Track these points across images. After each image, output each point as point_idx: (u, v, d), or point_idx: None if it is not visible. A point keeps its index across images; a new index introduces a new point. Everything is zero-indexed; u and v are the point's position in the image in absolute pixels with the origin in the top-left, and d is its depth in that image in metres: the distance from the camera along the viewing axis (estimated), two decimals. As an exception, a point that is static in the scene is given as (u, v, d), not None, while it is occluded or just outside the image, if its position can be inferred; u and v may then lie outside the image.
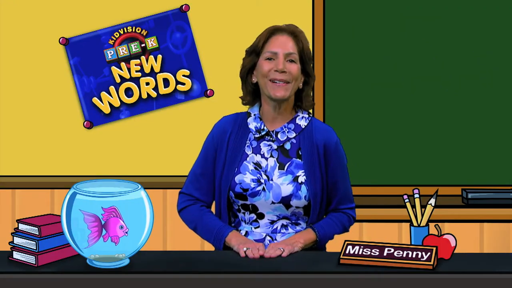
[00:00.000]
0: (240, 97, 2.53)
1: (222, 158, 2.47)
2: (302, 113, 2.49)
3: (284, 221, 2.45)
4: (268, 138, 2.47)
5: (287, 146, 2.47)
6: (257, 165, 2.44)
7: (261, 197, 2.41)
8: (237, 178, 2.43)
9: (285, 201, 2.41)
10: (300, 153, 2.46)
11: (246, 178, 2.43)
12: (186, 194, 2.54)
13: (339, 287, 2.03)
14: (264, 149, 2.46)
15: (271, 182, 2.42)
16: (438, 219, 2.64)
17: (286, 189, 2.41)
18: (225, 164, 2.47)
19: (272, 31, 2.44)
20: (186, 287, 2.03)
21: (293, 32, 2.45)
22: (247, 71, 2.48)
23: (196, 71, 3.65)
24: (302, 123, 2.48)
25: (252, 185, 2.42)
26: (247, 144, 2.47)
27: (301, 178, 2.42)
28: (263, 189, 2.42)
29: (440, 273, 2.05)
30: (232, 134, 2.48)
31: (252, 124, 2.47)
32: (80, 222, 2.02)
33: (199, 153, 2.54)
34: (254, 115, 2.49)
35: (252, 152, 2.46)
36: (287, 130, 2.46)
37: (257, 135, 2.46)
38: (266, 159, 2.45)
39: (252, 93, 2.50)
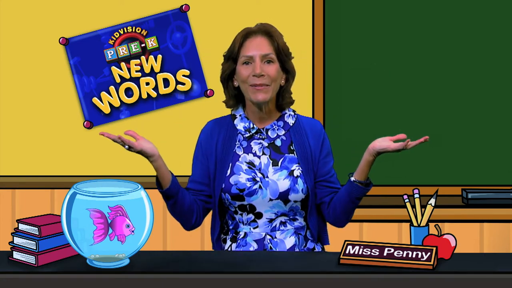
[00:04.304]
0: (223, 101, 2.53)
1: (212, 164, 2.47)
2: (289, 111, 2.51)
3: (283, 218, 2.45)
4: (258, 136, 2.47)
5: (278, 143, 2.47)
6: (251, 164, 2.44)
7: (258, 195, 2.41)
8: (232, 179, 2.43)
9: (283, 196, 2.41)
10: (292, 148, 2.46)
11: (241, 178, 2.42)
12: None
13: (339, 287, 2.03)
14: (255, 148, 2.46)
15: (266, 179, 2.42)
16: (438, 219, 2.65)
17: (283, 184, 2.41)
18: (216, 169, 2.46)
19: (246, 35, 2.44)
20: (186, 287, 2.03)
21: (266, 31, 2.44)
22: (227, 76, 2.48)
23: (196, 71, 3.65)
24: (290, 120, 2.49)
25: (248, 184, 2.41)
26: (237, 145, 2.47)
27: (297, 172, 2.43)
28: (260, 187, 2.41)
29: (440, 273, 2.05)
30: (219, 138, 2.48)
31: (240, 125, 2.47)
32: (80, 222, 2.02)
33: (192, 162, 2.52)
34: (240, 115, 2.49)
35: (244, 152, 2.46)
36: (277, 127, 2.47)
37: (247, 134, 2.46)
38: (259, 157, 2.45)
39: (235, 97, 2.50)
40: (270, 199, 2.42)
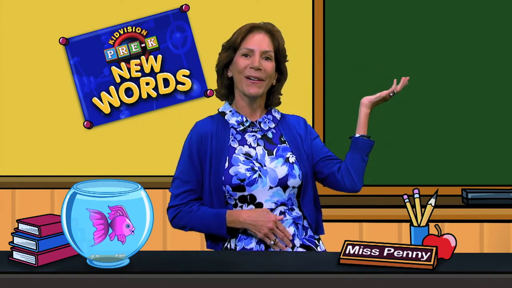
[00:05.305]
0: (214, 90, 2.61)
1: (207, 162, 2.49)
2: (273, 108, 2.62)
3: (282, 208, 2.48)
4: (251, 129, 2.54)
5: (270, 135, 2.55)
6: (247, 155, 2.49)
7: (259, 184, 2.45)
8: (232, 171, 2.46)
9: (282, 182, 2.47)
10: (283, 139, 2.55)
11: (240, 169, 2.46)
12: (175, 206, 2.54)
13: (339, 287, 2.03)
14: (250, 140, 2.52)
15: (265, 168, 2.47)
16: (438, 219, 2.65)
17: (281, 170, 2.48)
18: (211, 165, 2.48)
19: (250, 29, 2.52)
20: (186, 287, 2.03)
21: (270, 30, 2.53)
22: (224, 65, 2.55)
23: (196, 71, 3.65)
24: (277, 115, 2.59)
25: (248, 174, 2.45)
26: (231, 139, 2.52)
27: (292, 159, 2.51)
28: (259, 175, 2.46)
29: (440, 273, 2.05)
30: (212, 135, 2.52)
31: (233, 119, 2.54)
32: (80, 222, 2.02)
33: (180, 161, 2.53)
34: (230, 111, 2.55)
35: (239, 145, 2.51)
36: (267, 120, 2.56)
37: (240, 128, 2.52)
38: (254, 148, 2.51)
39: (227, 87, 2.57)
40: (270, 187, 2.46)
